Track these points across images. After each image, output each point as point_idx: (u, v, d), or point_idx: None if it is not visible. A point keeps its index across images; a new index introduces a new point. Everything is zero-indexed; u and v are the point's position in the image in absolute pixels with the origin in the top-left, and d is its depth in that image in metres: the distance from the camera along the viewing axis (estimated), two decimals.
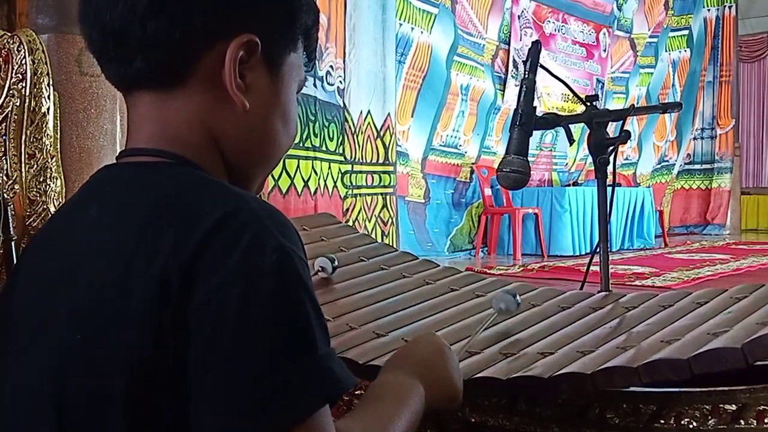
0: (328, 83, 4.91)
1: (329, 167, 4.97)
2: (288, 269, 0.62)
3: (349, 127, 5.17)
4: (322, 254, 1.44)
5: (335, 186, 5.06)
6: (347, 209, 5.17)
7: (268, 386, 0.59)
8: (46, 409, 0.64)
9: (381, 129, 5.53)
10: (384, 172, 5.57)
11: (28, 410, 0.66)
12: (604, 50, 9.34)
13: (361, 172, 5.36)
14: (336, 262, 1.43)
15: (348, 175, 5.18)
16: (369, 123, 5.43)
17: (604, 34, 9.33)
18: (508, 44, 7.95)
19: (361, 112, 5.30)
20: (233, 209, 0.63)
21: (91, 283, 0.65)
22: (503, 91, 7.94)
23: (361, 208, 5.33)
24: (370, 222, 5.41)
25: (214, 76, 0.72)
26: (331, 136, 4.97)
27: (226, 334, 0.59)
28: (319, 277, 1.41)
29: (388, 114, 5.57)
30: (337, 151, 5.05)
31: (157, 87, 0.72)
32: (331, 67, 4.96)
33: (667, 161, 10.65)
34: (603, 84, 9.34)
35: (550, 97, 8.24)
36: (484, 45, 7.69)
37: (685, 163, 11.05)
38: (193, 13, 0.69)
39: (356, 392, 1.05)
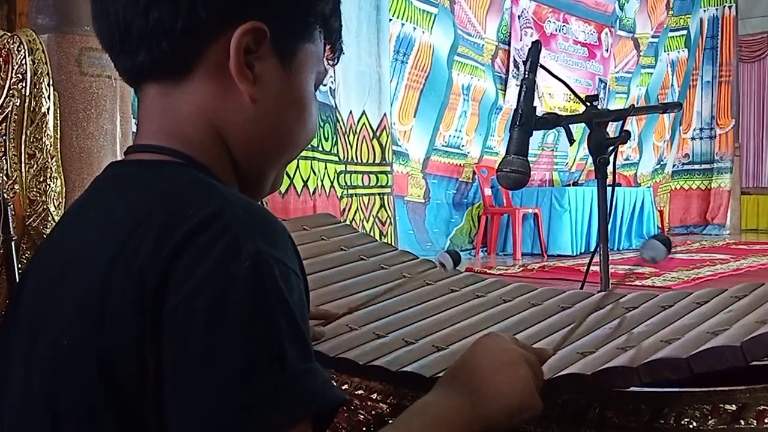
0: (322, 83, 4.94)
1: (326, 167, 4.98)
2: (262, 277, 0.58)
3: (340, 128, 5.18)
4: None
5: (332, 186, 5.06)
6: (344, 209, 5.18)
7: (229, 403, 0.55)
8: (44, 416, 0.64)
9: (377, 129, 5.53)
10: (381, 172, 5.58)
11: (29, 416, 0.66)
12: (607, 50, 9.34)
13: (356, 172, 5.37)
14: (459, 258, 1.28)
15: (342, 175, 5.19)
16: (364, 123, 5.43)
17: (606, 33, 9.34)
18: (508, 44, 7.96)
19: (351, 113, 5.31)
20: (214, 212, 0.61)
21: (79, 286, 0.64)
22: (504, 91, 7.94)
23: (357, 208, 5.33)
24: (368, 222, 5.41)
25: (220, 68, 0.69)
26: (326, 136, 4.98)
27: (192, 343, 0.57)
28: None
29: (384, 114, 5.58)
30: (332, 152, 5.06)
31: (163, 79, 0.71)
32: None
33: (665, 161, 10.67)
34: (606, 84, 9.34)
35: (552, 98, 8.24)
36: (483, 45, 7.69)
37: (685, 163, 11.06)
38: (196, 1, 0.67)
39: (355, 392, 1.05)
